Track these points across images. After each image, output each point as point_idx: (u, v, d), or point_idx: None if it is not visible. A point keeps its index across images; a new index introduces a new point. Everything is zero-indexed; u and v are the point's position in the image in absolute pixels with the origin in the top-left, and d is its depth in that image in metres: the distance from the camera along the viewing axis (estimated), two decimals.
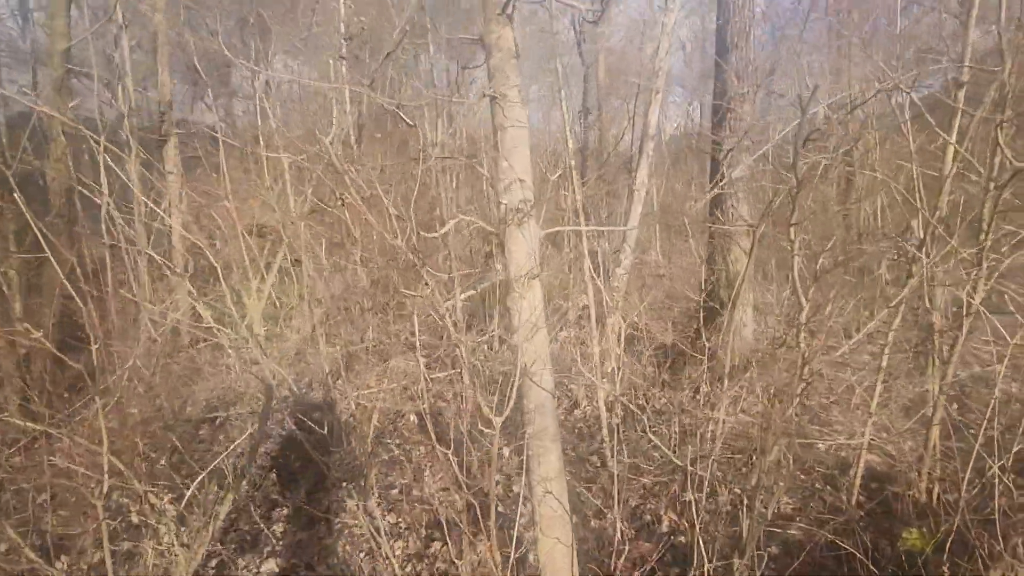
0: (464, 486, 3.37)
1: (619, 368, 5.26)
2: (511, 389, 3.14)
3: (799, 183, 2.71)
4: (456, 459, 3.16)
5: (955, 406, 5.02)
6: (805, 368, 3.14)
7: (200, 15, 13.71)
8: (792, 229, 2.86)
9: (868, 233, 6.91)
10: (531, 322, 3.44)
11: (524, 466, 3.57)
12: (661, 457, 5.07)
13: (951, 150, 4.13)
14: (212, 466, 4.29)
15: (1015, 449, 3.59)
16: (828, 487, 4.60)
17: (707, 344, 4.58)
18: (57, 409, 5.02)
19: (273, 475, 5.47)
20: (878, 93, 3.38)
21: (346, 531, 4.68)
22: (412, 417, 6.77)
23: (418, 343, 3.30)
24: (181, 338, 8.72)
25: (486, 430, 3.07)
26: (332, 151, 2.54)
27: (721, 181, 5.90)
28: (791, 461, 3.15)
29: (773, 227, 5.24)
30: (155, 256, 5.24)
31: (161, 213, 5.61)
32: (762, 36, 7.04)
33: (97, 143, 5.21)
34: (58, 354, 4.17)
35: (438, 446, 2.95)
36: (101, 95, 8.44)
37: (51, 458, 3.65)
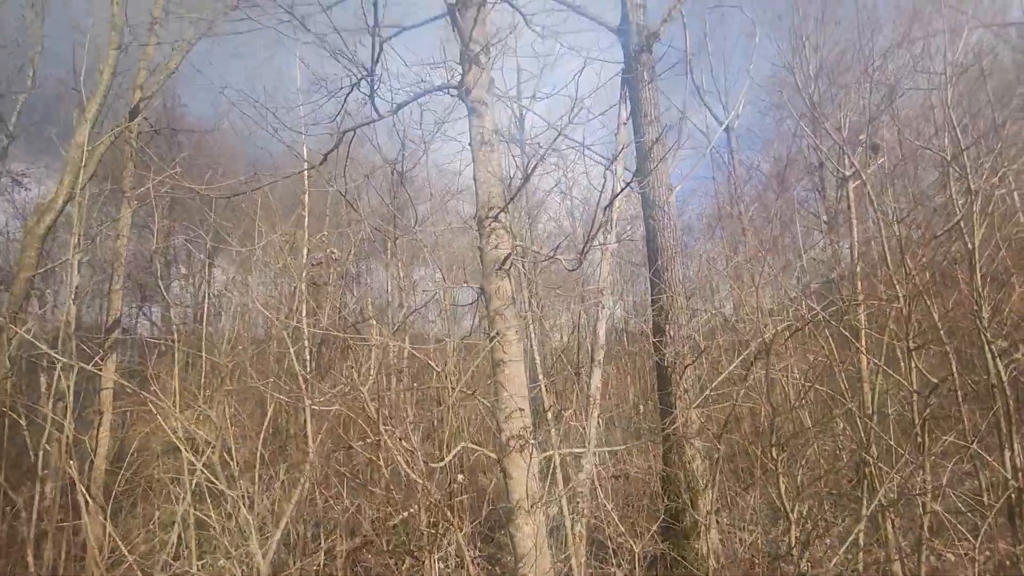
0: None
1: None
2: None
3: (775, 409, 3.09)
4: None
5: None
6: None
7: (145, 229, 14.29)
8: (774, 450, 3.18)
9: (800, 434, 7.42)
10: (535, 551, 3.44)
11: None
12: None
13: (863, 359, 4.85)
14: None
15: None
16: None
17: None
18: None
19: None
20: (811, 321, 4.03)
21: None
22: None
23: None
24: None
25: None
26: (367, 398, 2.72)
27: (674, 389, 6.42)
28: None
29: (720, 427, 5.65)
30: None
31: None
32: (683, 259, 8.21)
33: (47, 367, 5.06)
34: None
35: None
36: (47, 314, 8.32)
37: None
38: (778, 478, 3.24)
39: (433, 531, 4.32)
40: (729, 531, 7.28)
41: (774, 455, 3.22)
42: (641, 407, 9.85)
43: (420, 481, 2.95)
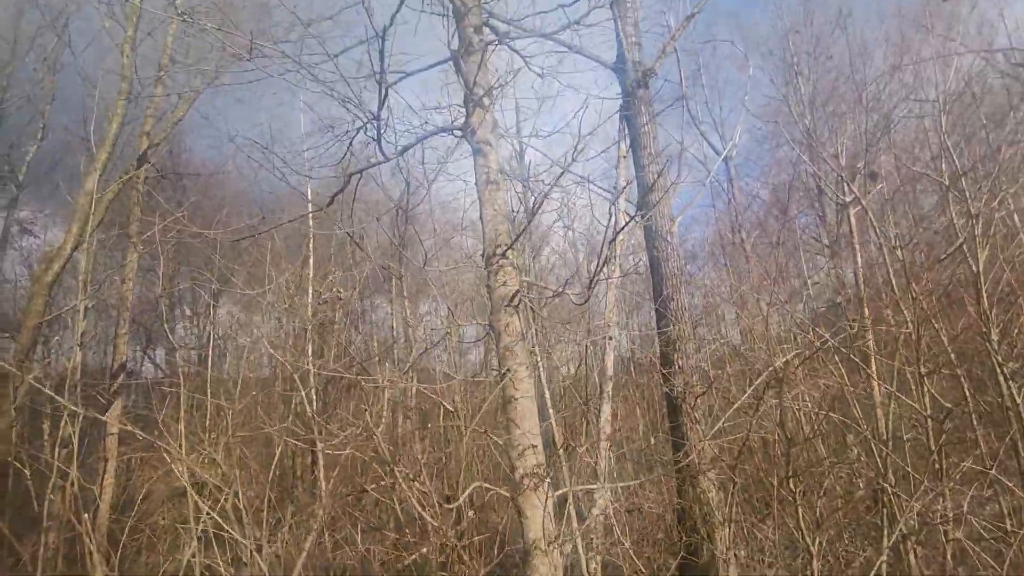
0: None
1: None
2: None
3: (789, 439, 3.06)
4: None
5: None
6: None
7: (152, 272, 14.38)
8: (790, 481, 3.14)
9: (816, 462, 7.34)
10: None
11: None
12: None
13: (875, 384, 4.82)
14: None
15: None
16: None
17: None
18: None
19: None
20: (820, 348, 4.02)
21: None
22: None
23: None
24: None
25: None
26: (381, 441, 2.71)
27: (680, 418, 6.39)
28: None
29: (734, 458, 5.56)
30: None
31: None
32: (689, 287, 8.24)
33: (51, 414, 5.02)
34: None
35: None
36: (53, 361, 8.33)
37: None
38: (796, 509, 3.19)
39: (447, 575, 4.22)
40: (748, 565, 7.10)
41: (791, 486, 3.18)
42: (652, 439, 9.73)
43: (433, 523, 2.90)
